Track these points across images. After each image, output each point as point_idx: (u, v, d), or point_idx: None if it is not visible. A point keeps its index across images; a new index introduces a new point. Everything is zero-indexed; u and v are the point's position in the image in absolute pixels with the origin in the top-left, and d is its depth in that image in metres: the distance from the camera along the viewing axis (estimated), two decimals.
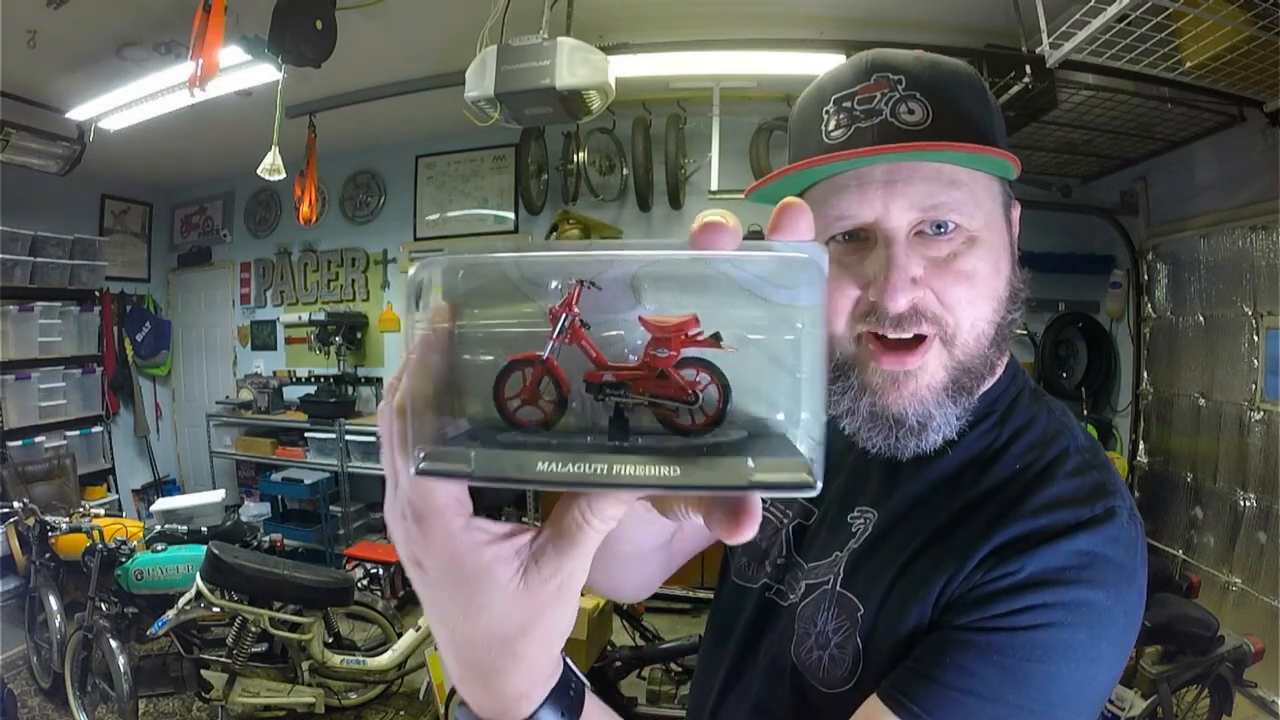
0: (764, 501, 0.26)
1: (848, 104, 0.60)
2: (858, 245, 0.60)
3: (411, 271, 0.27)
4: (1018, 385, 0.67)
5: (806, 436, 0.26)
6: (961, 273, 0.58)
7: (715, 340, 0.26)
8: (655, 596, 0.86)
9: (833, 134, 0.60)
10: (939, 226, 0.58)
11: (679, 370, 0.26)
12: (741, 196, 0.68)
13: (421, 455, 0.26)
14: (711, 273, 0.26)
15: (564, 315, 0.26)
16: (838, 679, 0.61)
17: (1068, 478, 0.58)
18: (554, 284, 0.26)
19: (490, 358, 0.27)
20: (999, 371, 0.66)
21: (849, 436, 0.64)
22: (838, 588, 0.64)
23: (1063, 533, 0.54)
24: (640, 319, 0.26)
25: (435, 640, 0.37)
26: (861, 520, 0.66)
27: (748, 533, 0.28)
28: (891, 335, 0.58)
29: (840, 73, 0.63)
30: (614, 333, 0.26)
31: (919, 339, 0.59)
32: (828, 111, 0.61)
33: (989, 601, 0.54)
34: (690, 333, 0.26)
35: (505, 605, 0.32)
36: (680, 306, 0.26)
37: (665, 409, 0.26)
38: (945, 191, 0.57)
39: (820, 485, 0.25)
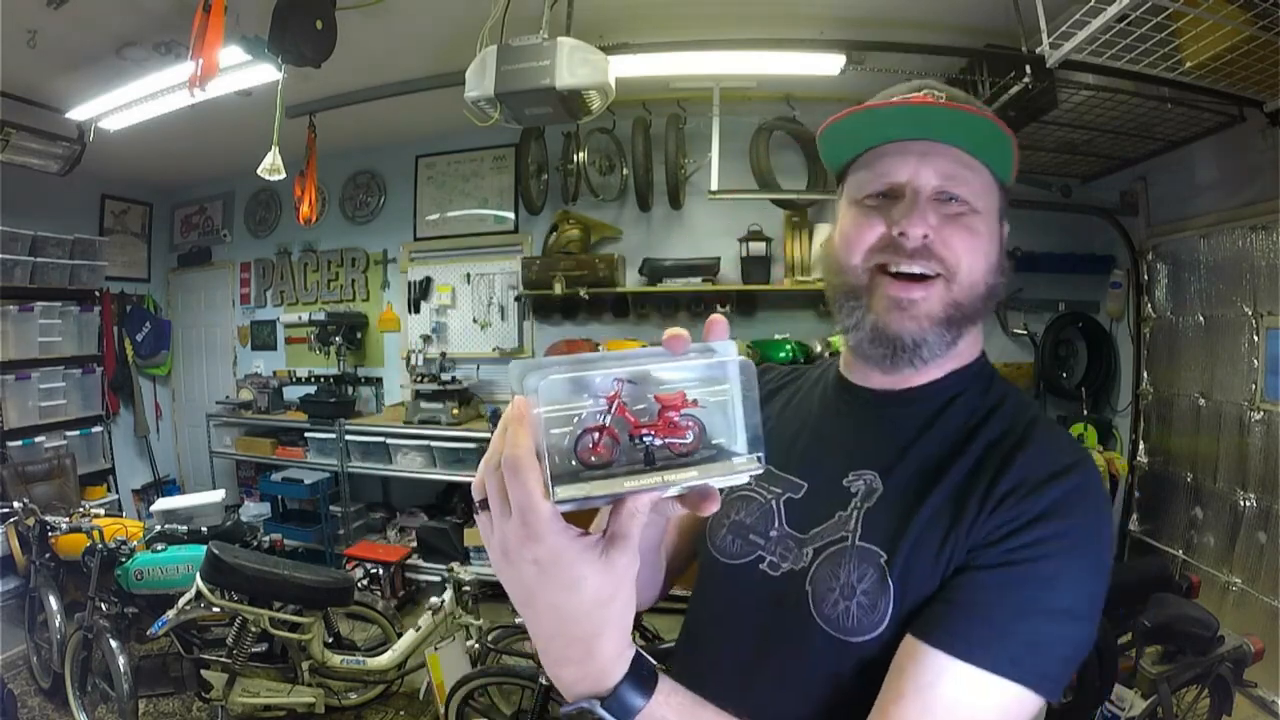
0: (751, 480, 0.47)
1: (902, 95, 0.76)
2: (889, 200, 0.74)
3: (516, 373, 0.44)
4: (989, 369, 0.81)
5: (745, 447, 0.45)
6: (965, 226, 0.72)
7: (694, 403, 0.44)
8: None
9: (894, 99, 0.75)
10: (951, 197, 0.72)
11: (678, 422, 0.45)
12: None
13: (556, 489, 0.41)
14: (680, 365, 0.45)
15: (614, 400, 0.43)
16: (870, 624, 0.67)
17: (1045, 435, 0.72)
18: (598, 379, 0.43)
19: (563, 430, 0.42)
20: (979, 344, 0.80)
21: (805, 407, 0.85)
22: (857, 542, 0.71)
23: (1059, 475, 0.66)
24: (654, 397, 0.44)
25: (534, 632, 0.49)
26: (861, 482, 0.75)
27: (712, 508, 0.46)
28: (904, 269, 0.71)
29: (889, 90, 0.78)
30: (640, 406, 0.44)
31: (924, 278, 0.71)
32: (887, 94, 0.77)
33: (1004, 540, 0.64)
34: (682, 400, 0.44)
35: (598, 578, 0.45)
36: (671, 387, 0.45)
37: (673, 444, 0.44)
38: (962, 170, 0.72)
39: (764, 467, 0.45)
